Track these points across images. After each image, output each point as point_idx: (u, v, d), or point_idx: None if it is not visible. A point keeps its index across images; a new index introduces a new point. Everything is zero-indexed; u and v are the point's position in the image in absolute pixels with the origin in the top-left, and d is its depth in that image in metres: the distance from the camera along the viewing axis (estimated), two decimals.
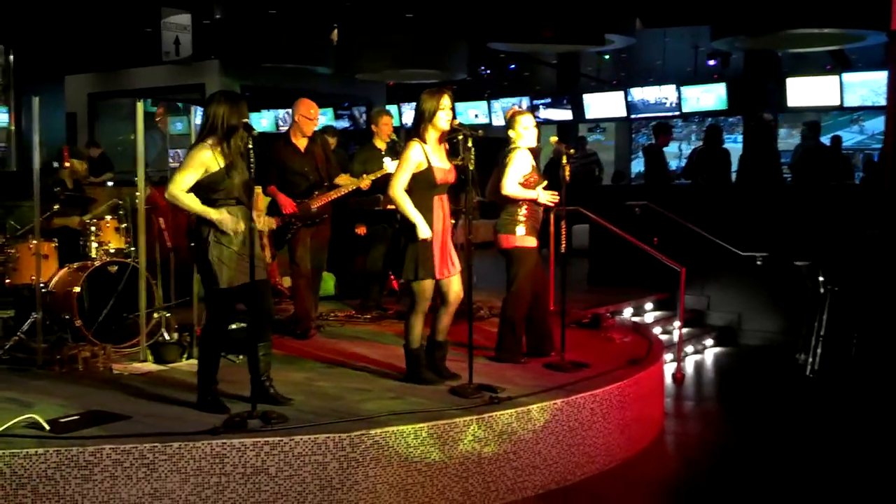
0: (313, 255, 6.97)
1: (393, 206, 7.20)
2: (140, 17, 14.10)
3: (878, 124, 18.84)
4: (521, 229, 6.04)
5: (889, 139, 9.23)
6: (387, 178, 6.82)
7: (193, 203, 4.74)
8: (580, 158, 14.88)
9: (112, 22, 14.62)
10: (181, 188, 4.73)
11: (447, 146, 5.54)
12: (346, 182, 6.98)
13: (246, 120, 4.79)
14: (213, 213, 4.74)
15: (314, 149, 6.94)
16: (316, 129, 7.09)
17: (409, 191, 5.36)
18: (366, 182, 6.93)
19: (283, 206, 6.75)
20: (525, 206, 6.02)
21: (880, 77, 12.86)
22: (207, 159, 4.74)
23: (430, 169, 5.35)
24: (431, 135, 5.40)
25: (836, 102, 13.96)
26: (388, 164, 6.78)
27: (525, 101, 17.56)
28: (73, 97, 17.39)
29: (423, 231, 5.30)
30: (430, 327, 5.63)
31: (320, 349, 6.56)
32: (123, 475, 4.16)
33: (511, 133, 6.11)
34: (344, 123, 18.60)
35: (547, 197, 6.02)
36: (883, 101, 12.62)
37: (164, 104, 15.42)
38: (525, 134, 6.04)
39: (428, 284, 5.40)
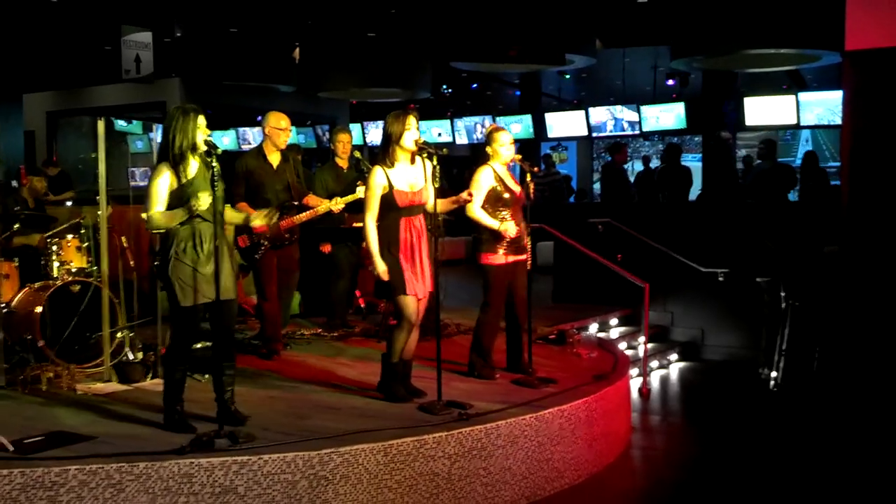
0: (283, 277, 6.92)
1: (359, 224, 7.23)
2: (99, 34, 13.97)
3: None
4: (487, 246, 6.08)
5: (845, 158, 9.41)
6: (358, 200, 6.84)
7: (166, 216, 4.74)
8: (545, 177, 15.01)
9: (71, 40, 14.47)
10: (156, 208, 4.74)
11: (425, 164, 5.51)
12: (315, 203, 6.91)
13: (207, 137, 4.76)
14: (181, 211, 4.74)
15: (286, 167, 6.86)
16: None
17: (379, 214, 5.41)
18: (338, 206, 6.86)
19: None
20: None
21: (836, 96, 13.14)
22: (166, 180, 4.75)
23: (391, 192, 5.36)
24: (400, 156, 5.42)
25: (793, 121, 14.22)
26: (361, 191, 6.75)
27: (488, 120, 17.68)
28: (32, 115, 17.18)
29: (378, 266, 5.37)
30: None
31: (288, 368, 6.52)
32: (90, 496, 4.10)
33: (488, 149, 6.15)
34: (311, 140, 18.65)
35: (509, 229, 6.00)
36: (838, 120, 12.89)
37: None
38: (501, 150, 6.09)
39: (411, 300, 5.40)
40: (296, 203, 6.82)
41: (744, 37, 11.55)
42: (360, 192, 6.74)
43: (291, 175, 6.88)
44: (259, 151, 6.87)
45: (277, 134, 6.77)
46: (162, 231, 4.81)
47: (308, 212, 6.82)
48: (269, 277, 6.79)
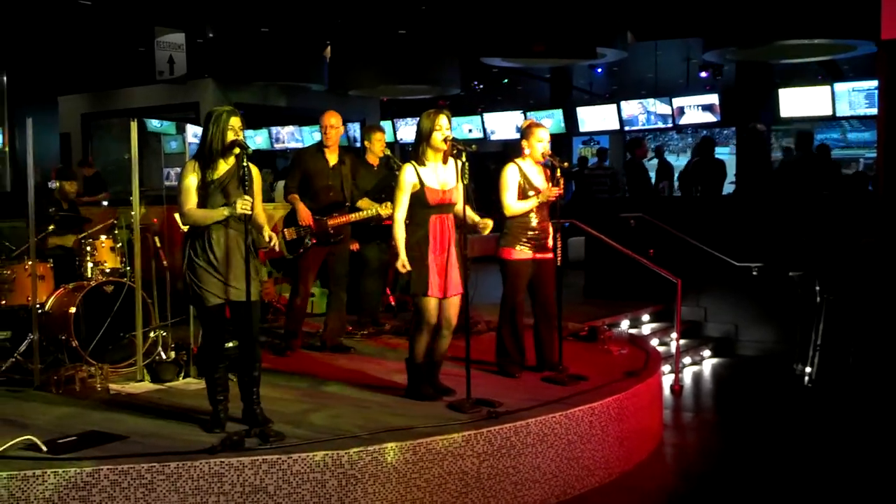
0: (334, 275, 7.00)
1: (388, 223, 7.25)
2: (133, 36, 14.11)
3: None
4: (506, 241, 6.11)
5: (881, 148, 9.26)
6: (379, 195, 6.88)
7: (203, 213, 4.79)
8: (596, 169, 15.03)
9: (105, 42, 14.63)
10: (189, 205, 4.81)
11: (458, 164, 5.49)
12: (367, 206, 6.99)
13: (239, 137, 4.79)
14: (224, 211, 4.76)
15: (342, 168, 6.96)
16: (307, 144, 7.09)
17: (409, 212, 5.43)
18: (387, 211, 6.91)
19: (302, 217, 6.74)
20: (513, 217, 6.06)
21: (871, 86, 12.96)
22: (191, 177, 4.80)
23: (422, 189, 5.38)
24: (430, 154, 5.43)
25: (829, 112, 14.04)
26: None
27: (520, 115, 17.64)
28: (67, 117, 17.38)
29: (400, 262, 5.37)
30: (429, 348, 5.62)
31: (318, 366, 6.55)
32: (122, 496, 4.15)
33: (524, 143, 6.15)
34: (342, 138, 18.64)
35: (547, 193, 6.03)
36: (873, 111, 12.70)
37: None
38: (537, 146, 6.08)
39: (431, 301, 5.40)
40: (347, 204, 6.89)
41: (777, 27, 11.40)
42: None
43: (346, 175, 6.94)
44: (319, 147, 7.01)
45: (324, 131, 6.92)
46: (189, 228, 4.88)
47: (356, 213, 6.88)
48: (308, 274, 6.90)
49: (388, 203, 6.92)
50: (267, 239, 4.84)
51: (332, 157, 6.93)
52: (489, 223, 5.59)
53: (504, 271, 6.16)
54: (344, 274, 7.05)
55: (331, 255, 6.93)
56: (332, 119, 6.92)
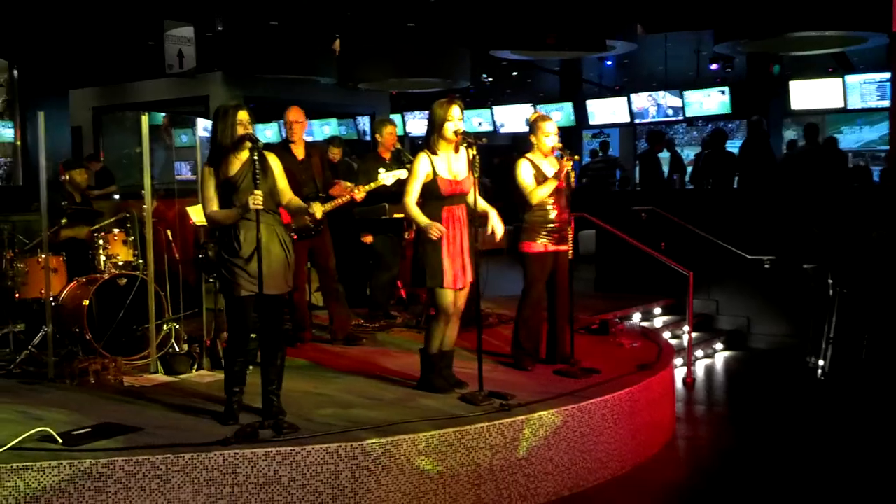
0: (321, 267, 6.99)
1: (399, 215, 7.26)
2: (143, 30, 14.13)
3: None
4: (527, 234, 6.10)
5: (894, 140, 9.23)
6: (388, 188, 6.89)
7: (223, 214, 4.83)
8: (599, 161, 15.01)
9: (115, 36, 14.65)
10: (210, 208, 4.85)
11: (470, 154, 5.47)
12: (340, 193, 6.98)
13: (249, 131, 4.80)
14: (238, 209, 4.80)
15: (312, 160, 6.97)
16: (317, 138, 7.10)
17: (420, 202, 5.42)
18: (360, 194, 6.92)
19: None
20: (532, 211, 6.05)
21: (883, 78, 12.90)
22: (208, 181, 4.85)
23: (434, 179, 5.37)
24: (442, 144, 5.42)
25: (840, 104, 13.98)
26: (383, 175, 6.83)
27: (529, 108, 17.61)
28: (78, 111, 17.40)
29: (433, 231, 5.31)
30: None
31: (330, 359, 6.56)
32: (136, 487, 4.17)
33: (532, 138, 6.15)
34: (352, 132, 18.65)
35: (561, 172, 6.02)
36: (886, 103, 12.64)
37: (168, 116, 15.60)
38: (545, 140, 6.07)
39: (448, 293, 5.40)
40: (321, 195, 6.90)
41: (788, 19, 11.35)
42: (381, 178, 6.82)
43: (317, 166, 6.96)
44: (285, 144, 7.02)
45: (289, 126, 6.95)
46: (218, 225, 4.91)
47: (332, 202, 6.88)
48: (298, 267, 6.89)
49: (361, 186, 6.94)
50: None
51: (300, 152, 6.94)
52: (499, 233, 5.56)
53: (525, 265, 6.15)
54: (332, 265, 7.04)
55: (313, 248, 6.93)
56: (297, 114, 6.93)
